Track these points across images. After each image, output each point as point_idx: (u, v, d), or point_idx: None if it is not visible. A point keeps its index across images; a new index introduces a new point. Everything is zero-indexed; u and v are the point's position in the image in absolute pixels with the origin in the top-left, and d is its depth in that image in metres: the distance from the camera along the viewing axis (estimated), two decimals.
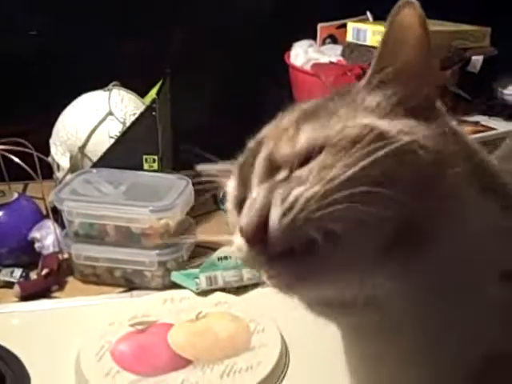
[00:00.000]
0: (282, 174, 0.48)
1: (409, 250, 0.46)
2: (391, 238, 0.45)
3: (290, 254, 0.45)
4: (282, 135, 0.49)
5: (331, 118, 0.49)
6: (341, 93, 0.52)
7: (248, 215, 0.45)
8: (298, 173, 0.47)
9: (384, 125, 0.47)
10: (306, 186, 0.45)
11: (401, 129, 0.47)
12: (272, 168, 0.49)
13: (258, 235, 0.45)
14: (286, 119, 0.52)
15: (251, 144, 0.53)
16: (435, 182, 0.46)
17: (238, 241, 0.47)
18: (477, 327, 0.49)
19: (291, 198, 0.44)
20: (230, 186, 0.53)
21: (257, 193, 0.47)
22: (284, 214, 0.44)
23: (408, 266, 0.46)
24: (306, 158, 0.47)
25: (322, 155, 0.46)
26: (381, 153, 0.45)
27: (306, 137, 0.48)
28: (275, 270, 0.46)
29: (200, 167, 0.61)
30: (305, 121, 0.49)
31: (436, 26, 1.40)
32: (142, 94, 1.45)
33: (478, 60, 1.38)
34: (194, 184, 1.19)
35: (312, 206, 0.44)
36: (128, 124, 1.34)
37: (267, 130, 0.53)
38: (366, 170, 0.44)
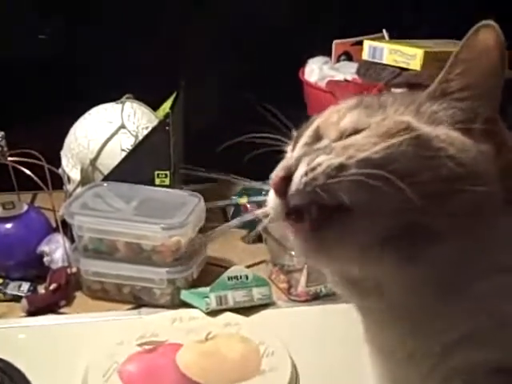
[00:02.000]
0: (322, 143, 0.53)
1: (413, 245, 0.49)
2: (398, 229, 0.49)
3: (306, 217, 0.50)
4: (333, 114, 0.55)
5: (380, 109, 0.53)
6: (407, 94, 0.57)
7: (280, 168, 0.52)
8: (334, 144, 0.52)
9: (423, 128, 0.50)
10: (330, 155, 0.50)
11: (438, 135, 0.50)
12: (316, 137, 0.55)
13: (282, 187, 0.50)
14: (344, 103, 0.56)
15: (305, 124, 0.58)
16: (458, 195, 0.48)
17: (272, 193, 0.52)
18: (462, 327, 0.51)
19: (315, 162, 0.49)
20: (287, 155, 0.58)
21: (295, 153, 0.54)
22: (305, 174, 0.49)
23: (410, 259, 0.49)
24: (344, 136, 0.52)
25: (359, 135, 0.51)
26: (404, 146, 0.48)
27: (350, 118, 0.53)
28: (291, 224, 0.51)
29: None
30: (356, 108, 0.55)
31: (456, 46, 1.39)
32: (154, 107, 1.44)
33: None
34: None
35: (329, 173, 0.48)
36: (140, 137, 1.33)
37: (328, 109, 0.57)
38: (385, 156, 0.48)
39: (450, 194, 0.48)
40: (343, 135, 0.52)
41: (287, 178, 0.50)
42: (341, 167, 0.48)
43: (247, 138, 0.65)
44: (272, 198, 0.52)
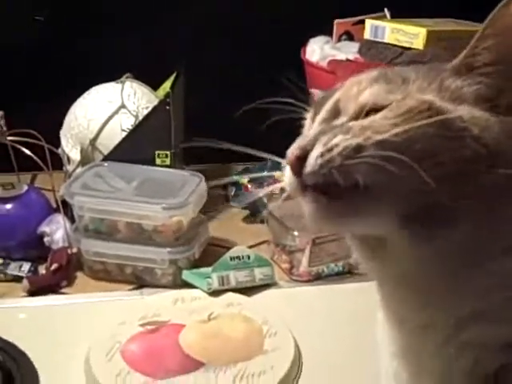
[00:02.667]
0: (340, 120, 0.53)
1: (430, 224, 0.49)
2: (415, 208, 0.48)
3: (321, 191, 0.49)
4: (354, 87, 0.54)
5: (402, 85, 0.52)
6: (432, 67, 0.55)
7: (296, 146, 0.51)
8: (352, 123, 0.51)
9: (446, 107, 0.49)
10: (347, 136, 0.49)
11: (461, 115, 0.49)
12: (335, 112, 0.54)
13: (297, 166, 0.50)
14: (366, 74, 0.55)
15: (328, 92, 0.57)
16: (479, 176, 0.48)
17: (288, 169, 0.52)
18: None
19: (332, 142, 0.49)
20: (306, 124, 0.58)
21: (312, 131, 0.53)
22: (322, 155, 0.48)
23: (426, 238, 0.49)
24: (363, 112, 0.51)
25: (377, 115, 0.50)
26: (427, 127, 0.47)
27: (370, 93, 0.52)
28: (307, 199, 0.51)
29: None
30: (378, 81, 0.53)
31: (458, 25, 1.38)
32: (154, 86, 1.43)
33: None
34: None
35: (346, 154, 0.48)
36: (141, 117, 1.32)
37: (349, 79, 0.56)
38: (405, 138, 0.47)
39: (469, 175, 0.48)
40: (362, 111, 0.51)
41: (303, 158, 0.50)
42: (358, 149, 0.48)
43: (256, 110, 0.64)
44: (288, 175, 0.52)
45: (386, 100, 0.51)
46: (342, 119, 0.53)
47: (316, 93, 0.65)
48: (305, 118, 0.59)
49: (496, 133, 0.49)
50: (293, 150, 0.51)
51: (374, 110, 0.50)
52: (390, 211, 0.49)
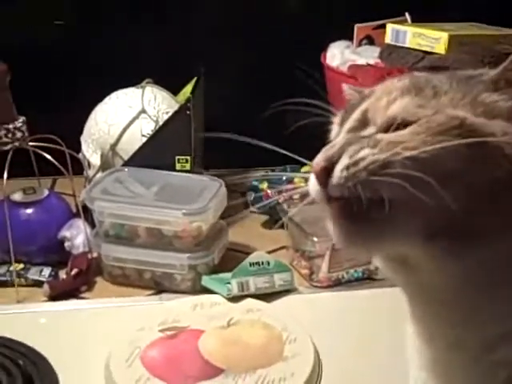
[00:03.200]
0: (368, 131, 0.52)
1: (457, 243, 0.47)
2: (442, 226, 0.47)
3: (347, 207, 0.49)
4: (384, 97, 0.52)
5: (433, 99, 0.50)
6: (465, 77, 0.52)
7: (322, 156, 0.50)
8: (380, 136, 0.50)
9: (478, 124, 0.47)
10: (375, 151, 0.48)
11: (494, 132, 0.47)
12: (364, 122, 0.53)
13: (323, 176, 0.49)
14: (397, 82, 0.54)
15: (358, 98, 0.56)
16: (508, 195, 0.47)
17: (313, 177, 0.51)
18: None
19: (359, 156, 0.48)
20: (334, 130, 0.57)
21: (339, 140, 0.52)
22: (347, 168, 0.48)
23: (453, 257, 0.48)
24: (392, 126, 0.50)
25: (406, 130, 0.49)
26: (455, 146, 0.45)
27: (400, 106, 0.51)
28: (332, 211, 0.50)
29: None
30: (409, 92, 0.51)
31: (480, 29, 1.37)
32: (174, 91, 1.43)
33: None
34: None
35: (372, 170, 0.47)
36: (161, 123, 1.32)
37: (379, 87, 0.55)
38: (434, 156, 0.46)
39: (499, 194, 0.47)
40: (391, 125, 0.50)
41: (329, 168, 0.49)
42: (384, 165, 0.47)
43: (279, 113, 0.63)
44: (313, 183, 0.51)
45: (415, 115, 0.49)
46: (370, 130, 0.52)
47: (347, 89, 0.63)
48: (332, 123, 0.58)
49: None
50: (319, 160, 0.50)
51: (403, 124, 0.49)
52: (416, 230, 0.48)
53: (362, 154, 0.48)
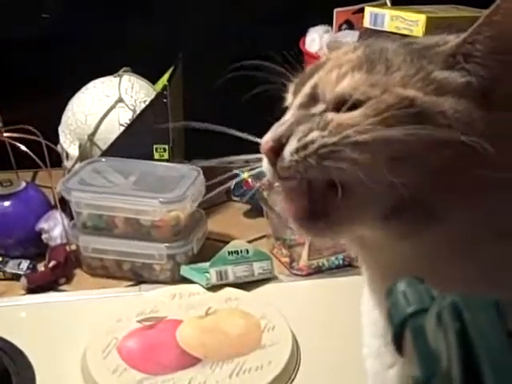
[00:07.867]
0: (317, 109, 0.50)
1: (414, 221, 0.47)
2: (395, 206, 0.47)
3: (299, 188, 0.49)
4: (334, 70, 0.51)
5: (384, 77, 0.48)
6: (418, 53, 0.50)
7: (270, 135, 0.49)
8: (330, 117, 0.48)
9: (428, 103, 0.46)
10: (324, 133, 0.47)
11: (444, 110, 0.46)
12: (314, 97, 0.51)
13: (272, 156, 0.49)
14: (350, 53, 0.51)
15: (313, 65, 0.54)
16: (459, 173, 0.46)
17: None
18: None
19: (308, 139, 0.47)
20: (288, 99, 0.56)
21: (289, 117, 0.51)
22: (297, 151, 0.47)
23: (410, 236, 0.48)
24: (341, 103, 0.48)
25: (356, 111, 0.47)
26: (407, 128, 0.44)
27: (350, 84, 0.49)
28: (283, 188, 0.51)
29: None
30: (360, 67, 0.49)
31: (460, 11, 1.36)
32: (153, 80, 1.41)
33: None
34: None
35: (321, 153, 0.46)
36: (138, 111, 1.30)
37: (332, 55, 0.53)
38: (383, 139, 0.45)
39: (450, 172, 0.46)
40: (340, 102, 0.49)
41: (277, 148, 0.48)
42: (334, 148, 0.46)
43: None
44: (265, 161, 0.50)
45: (365, 94, 0.48)
46: (320, 107, 0.50)
47: (328, 43, 0.63)
48: (286, 91, 0.56)
49: (481, 130, 0.45)
50: (268, 139, 0.49)
51: (352, 104, 0.48)
52: (372, 213, 0.47)
53: (310, 136, 0.47)
